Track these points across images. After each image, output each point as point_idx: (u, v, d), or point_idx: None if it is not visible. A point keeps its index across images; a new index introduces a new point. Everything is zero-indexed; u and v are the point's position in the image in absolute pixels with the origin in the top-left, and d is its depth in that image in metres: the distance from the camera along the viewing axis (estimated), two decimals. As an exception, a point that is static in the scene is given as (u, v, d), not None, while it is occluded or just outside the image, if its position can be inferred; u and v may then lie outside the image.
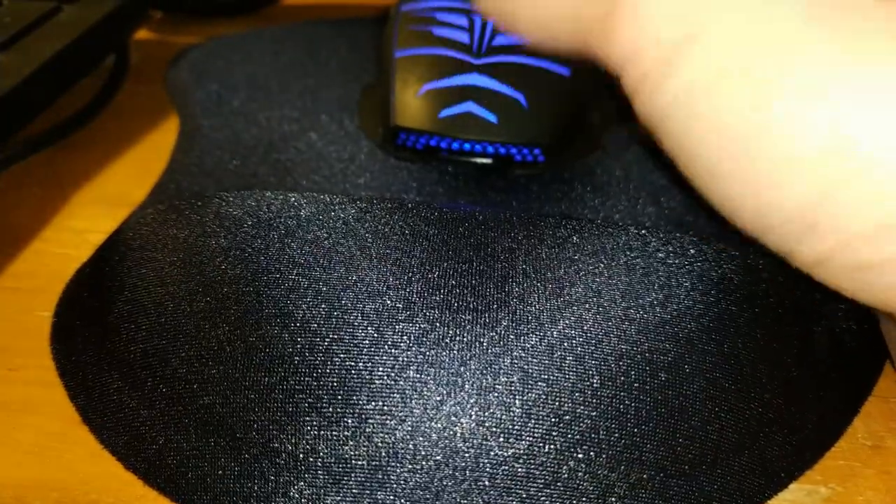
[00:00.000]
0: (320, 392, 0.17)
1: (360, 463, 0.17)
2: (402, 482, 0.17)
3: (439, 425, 0.17)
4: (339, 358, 0.17)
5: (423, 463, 0.17)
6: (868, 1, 0.14)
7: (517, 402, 0.17)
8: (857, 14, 0.14)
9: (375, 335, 0.17)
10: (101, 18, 0.31)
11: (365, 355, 0.17)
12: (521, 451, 0.17)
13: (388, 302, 0.18)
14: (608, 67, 0.17)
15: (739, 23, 0.14)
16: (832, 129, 0.13)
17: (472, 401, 0.17)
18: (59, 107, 0.29)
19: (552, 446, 0.17)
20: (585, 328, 0.18)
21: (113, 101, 0.32)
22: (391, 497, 0.17)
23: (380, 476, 0.17)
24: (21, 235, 0.26)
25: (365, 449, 0.17)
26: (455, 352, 0.17)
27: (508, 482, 0.17)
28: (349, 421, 0.17)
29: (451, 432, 0.17)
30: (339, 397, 0.17)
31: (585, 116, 0.26)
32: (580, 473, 0.17)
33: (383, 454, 0.17)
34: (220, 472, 0.17)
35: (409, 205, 0.21)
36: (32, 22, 0.30)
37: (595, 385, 0.17)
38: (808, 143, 0.14)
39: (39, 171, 0.28)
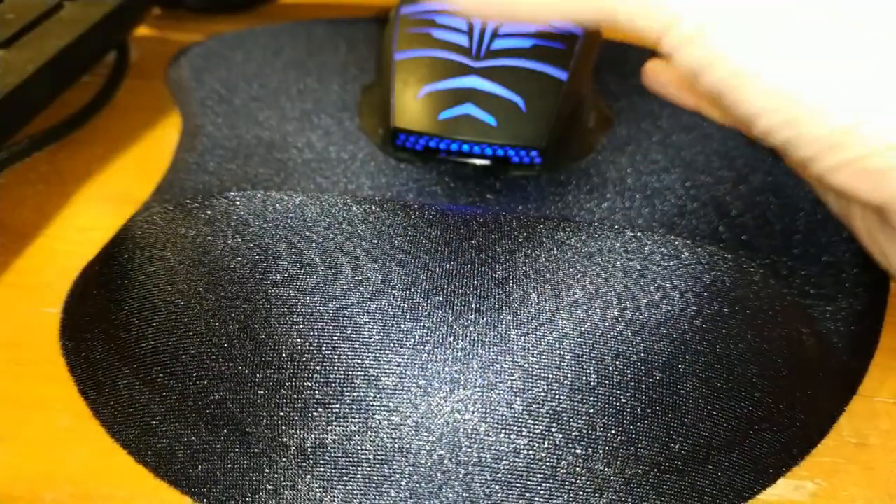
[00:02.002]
0: (328, 389, 0.18)
1: (366, 457, 0.17)
2: (406, 476, 0.17)
3: (442, 421, 0.18)
4: (347, 356, 0.18)
5: (427, 458, 0.17)
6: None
7: (518, 399, 0.18)
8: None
9: (381, 334, 0.18)
10: (102, 16, 0.31)
11: (371, 353, 0.18)
12: (521, 447, 0.18)
13: (394, 302, 0.18)
14: (635, 34, 0.19)
15: None
16: (861, 70, 0.17)
17: (474, 398, 0.18)
18: (60, 104, 0.30)
19: (551, 442, 0.18)
20: (583, 328, 0.18)
21: (114, 98, 0.32)
22: (396, 490, 0.17)
23: (385, 470, 0.17)
24: (26, 233, 0.26)
25: (371, 444, 0.17)
26: (458, 351, 0.18)
27: (508, 476, 0.17)
28: (356, 417, 0.18)
29: (454, 428, 0.18)
30: (346, 394, 0.18)
31: (581, 119, 0.27)
32: (577, 468, 0.18)
33: (389, 449, 0.17)
34: (230, 465, 0.18)
35: (412, 206, 0.21)
36: (34, 19, 0.30)
37: (592, 384, 0.18)
38: (844, 82, 0.17)
39: (42, 169, 0.29)
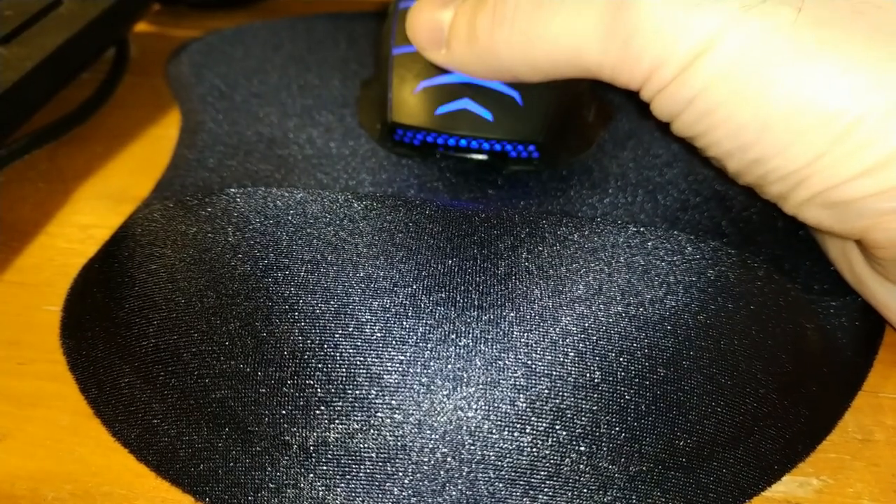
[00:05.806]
0: (330, 386, 0.18)
1: (368, 455, 0.17)
2: (409, 474, 0.17)
3: (445, 419, 0.17)
4: (349, 353, 0.18)
5: (430, 455, 0.17)
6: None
7: (521, 396, 0.18)
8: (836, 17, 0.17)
9: (383, 331, 0.18)
10: (101, 12, 0.31)
11: (373, 351, 0.18)
12: (525, 444, 0.17)
13: (396, 299, 0.18)
14: (617, 83, 0.20)
15: (751, 30, 0.17)
16: (820, 108, 0.17)
17: (477, 395, 0.17)
18: (60, 101, 0.30)
19: (554, 439, 0.17)
20: (587, 325, 0.18)
21: (113, 95, 0.32)
22: (399, 488, 0.17)
23: (388, 468, 0.17)
24: (26, 230, 0.26)
25: (374, 442, 0.17)
26: (460, 348, 0.18)
27: (512, 474, 0.17)
28: (358, 415, 0.17)
29: (457, 426, 0.17)
30: (349, 392, 0.18)
31: (580, 114, 0.27)
32: (581, 466, 0.17)
33: (391, 447, 0.17)
34: (232, 463, 0.18)
35: (413, 202, 0.21)
36: (34, 15, 0.30)
37: (596, 380, 0.18)
38: (804, 120, 0.17)
39: (42, 167, 0.29)
